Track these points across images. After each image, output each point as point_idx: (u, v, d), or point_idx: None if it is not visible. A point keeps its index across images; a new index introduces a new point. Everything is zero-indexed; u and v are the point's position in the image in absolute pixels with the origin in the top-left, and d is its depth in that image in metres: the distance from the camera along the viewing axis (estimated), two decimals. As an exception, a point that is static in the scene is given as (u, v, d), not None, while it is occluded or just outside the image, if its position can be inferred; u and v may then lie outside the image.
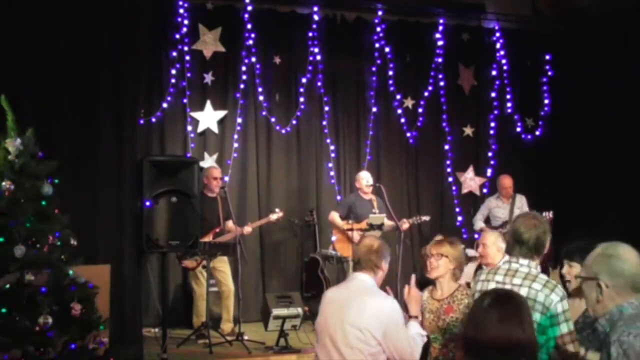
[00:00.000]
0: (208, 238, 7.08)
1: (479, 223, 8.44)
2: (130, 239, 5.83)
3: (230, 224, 7.30)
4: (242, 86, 8.36)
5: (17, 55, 5.47)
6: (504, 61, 9.42)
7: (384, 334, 3.43)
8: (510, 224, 7.80)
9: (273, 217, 7.60)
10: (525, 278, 3.12)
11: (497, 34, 9.41)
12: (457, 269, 4.19)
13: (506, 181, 8.35)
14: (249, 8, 8.29)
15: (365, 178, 7.82)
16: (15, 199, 3.91)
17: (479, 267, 5.18)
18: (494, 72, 9.44)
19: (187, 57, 8.13)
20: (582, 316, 3.73)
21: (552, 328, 3.06)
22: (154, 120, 7.98)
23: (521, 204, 8.31)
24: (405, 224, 7.62)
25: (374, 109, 8.95)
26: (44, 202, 3.99)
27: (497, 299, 2.22)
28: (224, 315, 7.26)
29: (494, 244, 4.91)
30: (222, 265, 7.25)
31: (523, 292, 3.05)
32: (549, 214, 7.94)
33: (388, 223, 7.59)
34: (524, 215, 3.42)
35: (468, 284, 4.50)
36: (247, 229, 7.41)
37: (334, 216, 7.77)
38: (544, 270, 5.23)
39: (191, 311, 7.41)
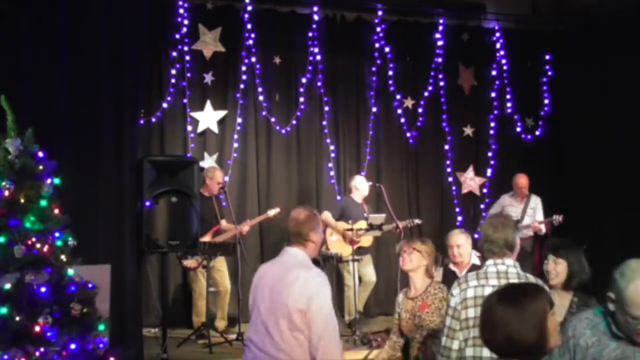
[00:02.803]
0: (208, 237, 7.10)
1: None
2: (130, 239, 5.84)
3: (224, 222, 7.32)
4: (242, 86, 8.36)
5: (18, 56, 5.48)
6: (504, 61, 9.41)
7: (307, 307, 3.32)
8: (519, 223, 7.87)
9: (271, 212, 7.63)
10: (519, 278, 3.17)
11: (497, 34, 9.41)
12: (431, 266, 4.27)
13: (522, 180, 8.28)
14: (249, 8, 8.29)
15: (362, 183, 7.84)
16: (15, 199, 3.91)
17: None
18: (494, 72, 9.43)
19: (187, 57, 8.13)
20: (569, 313, 3.76)
21: None
22: (154, 120, 7.98)
23: (535, 204, 8.26)
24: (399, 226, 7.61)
25: (374, 109, 8.95)
26: (44, 202, 3.99)
27: (509, 295, 2.20)
28: (219, 313, 7.28)
29: (469, 244, 5.02)
30: (221, 264, 7.28)
31: None
32: (559, 218, 7.92)
33: (386, 225, 7.59)
34: (492, 216, 3.50)
35: None
36: (245, 228, 7.44)
37: (327, 216, 7.75)
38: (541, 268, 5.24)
39: (191, 311, 7.41)
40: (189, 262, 7.02)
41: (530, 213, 8.17)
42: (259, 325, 3.46)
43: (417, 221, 8.02)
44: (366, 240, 7.66)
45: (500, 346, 2.14)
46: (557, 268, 3.81)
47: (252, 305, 3.59)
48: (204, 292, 7.03)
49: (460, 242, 5.12)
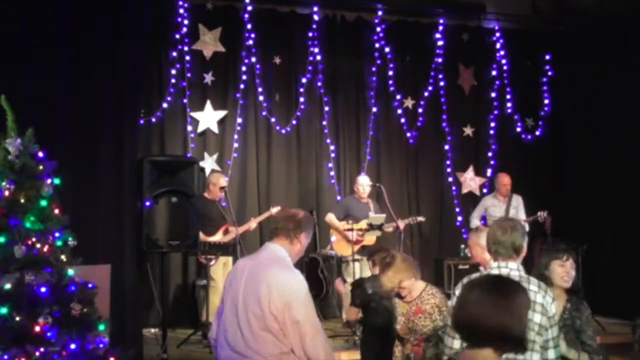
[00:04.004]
0: (219, 235, 7.25)
1: (474, 221, 8.44)
2: (130, 239, 5.84)
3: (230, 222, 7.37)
4: (242, 86, 8.36)
5: (17, 55, 5.47)
6: (504, 61, 9.42)
7: (284, 313, 3.26)
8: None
9: (274, 210, 7.72)
10: (520, 280, 3.15)
11: (497, 34, 9.41)
12: (416, 273, 4.29)
13: (505, 179, 8.37)
14: (249, 8, 8.29)
15: (362, 185, 7.84)
16: (15, 199, 3.91)
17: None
18: (494, 72, 9.44)
19: (187, 57, 8.14)
20: (562, 319, 3.77)
21: (552, 329, 3.08)
22: (154, 120, 7.99)
23: (517, 203, 8.32)
24: (401, 224, 7.62)
25: (374, 109, 8.95)
26: (44, 202, 3.99)
27: (493, 287, 2.22)
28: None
29: (476, 244, 4.94)
30: (230, 264, 7.35)
31: None
32: (544, 214, 7.94)
33: (387, 225, 7.60)
34: (500, 219, 3.51)
35: None
36: (253, 225, 7.58)
37: (331, 218, 7.78)
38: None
39: (192, 310, 7.43)
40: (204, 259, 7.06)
41: (512, 212, 8.19)
42: (233, 322, 3.41)
43: (420, 218, 8.04)
44: (369, 239, 7.66)
45: (480, 335, 2.13)
46: (572, 271, 3.85)
47: (225, 300, 3.51)
48: (220, 289, 7.09)
49: (470, 243, 5.16)
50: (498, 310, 2.11)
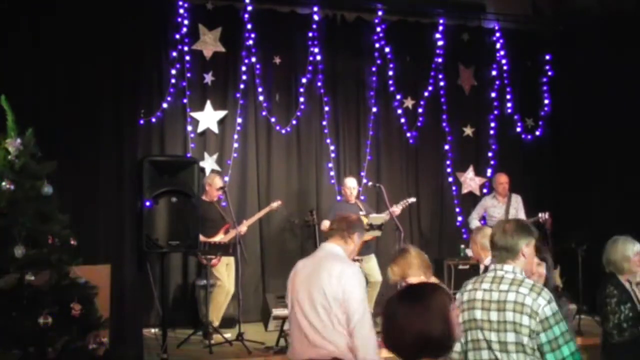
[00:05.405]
0: (220, 235, 7.24)
1: (474, 222, 8.41)
2: (130, 239, 5.85)
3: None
4: (242, 86, 8.36)
5: (18, 56, 5.48)
6: (504, 61, 9.41)
7: (344, 298, 3.52)
8: None
9: (274, 205, 7.78)
10: (512, 283, 3.13)
11: (497, 34, 9.41)
12: (427, 270, 4.23)
13: (502, 178, 8.37)
14: (249, 8, 8.29)
15: (349, 187, 7.85)
16: (15, 199, 3.92)
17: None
18: (494, 72, 9.43)
19: (187, 57, 8.13)
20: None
21: (545, 332, 3.03)
22: (154, 120, 7.98)
23: (517, 203, 8.31)
24: (396, 211, 7.65)
25: (374, 109, 8.95)
26: (44, 202, 3.99)
27: (408, 295, 2.25)
28: (215, 312, 7.28)
29: (474, 241, 5.16)
30: (233, 264, 7.35)
31: (511, 297, 3.06)
32: (545, 215, 7.93)
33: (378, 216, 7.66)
34: (501, 221, 3.50)
35: None
36: (243, 229, 7.46)
37: (326, 224, 7.77)
38: None
39: (192, 310, 7.42)
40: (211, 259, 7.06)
41: (513, 212, 8.18)
42: (301, 320, 3.61)
43: (412, 200, 8.06)
44: (366, 235, 7.68)
45: (410, 347, 2.15)
46: (539, 269, 3.87)
47: (292, 302, 3.72)
48: (226, 287, 7.14)
49: (471, 240, 5.35)
50: (416, 317, 2.15)
